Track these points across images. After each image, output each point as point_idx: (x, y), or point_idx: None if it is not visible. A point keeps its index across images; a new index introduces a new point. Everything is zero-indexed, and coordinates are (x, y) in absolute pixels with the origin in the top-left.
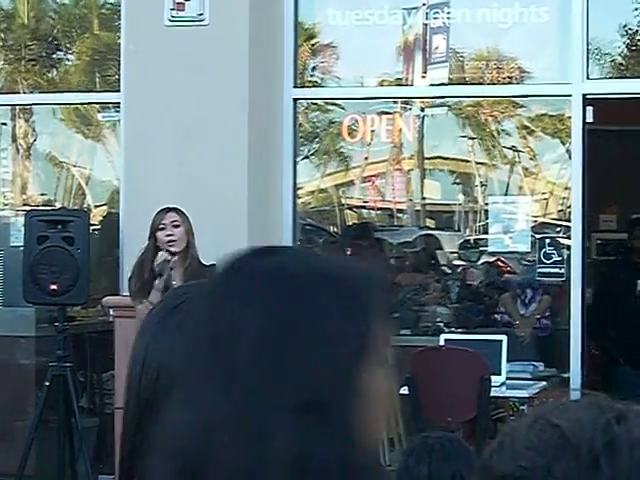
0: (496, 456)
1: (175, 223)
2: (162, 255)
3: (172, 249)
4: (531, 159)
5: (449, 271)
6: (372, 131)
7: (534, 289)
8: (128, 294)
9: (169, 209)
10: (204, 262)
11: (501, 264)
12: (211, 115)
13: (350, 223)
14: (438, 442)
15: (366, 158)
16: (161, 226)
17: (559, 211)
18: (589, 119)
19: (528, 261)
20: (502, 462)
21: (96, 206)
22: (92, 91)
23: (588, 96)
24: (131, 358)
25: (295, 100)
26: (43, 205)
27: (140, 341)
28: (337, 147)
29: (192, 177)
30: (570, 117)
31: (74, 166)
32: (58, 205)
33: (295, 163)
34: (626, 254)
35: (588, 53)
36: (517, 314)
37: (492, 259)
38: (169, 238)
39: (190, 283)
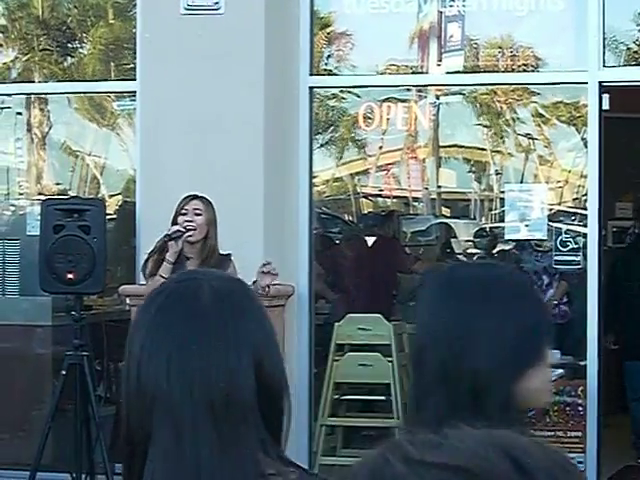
0: None
1: (197, 211)
2: (175, 227)
3: (190, 238)
4: (546, 147)
5: (465, 259)
6: (387, 119)
7: (550, 275)
8: (142, 275)
9: (195, 196)
10: (222, 252)
11: (517, 252)
12: (227, 103)
13: (366, 212)
14: None
15: (380, 147)
16: (183, 211)
17: (574, 199)
18: (605, 106)
19: (544, 249)
20: None
21: (111, 195)
22: (107, 80)
23: (604, 84)
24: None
25: (311, 88)
26: (58, 194)
27: (130, 328)
28: (352, 135)
29: (208, 166)
30: (586, 105)
31: (89, 155)
32: (72, 194)
33: (311, 152)
34: (638, 240)
35: (604, 41)
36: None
37: (508, 247)
38: (187, 224)
39: (182, 272)
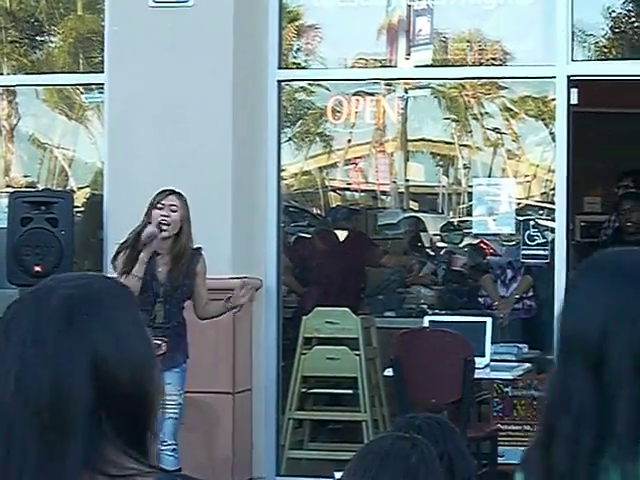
0: None
1: (173, 207)
2: (150, 227)
3: (164, 233)
4: (514, 141)
5: (432, 253)
6: (356, 113)
7: (514, 269)
8: (113, 268)
9: (172, 192)
10: (194, 245)
11: (484, 246)
12: (195, 96)
13: (335, 205)
14: (425, 423)
15: (349, 140)
16: (159, 205)
17: (542, 193)
18: (573, 101)
19: (512, 243)
20: None
21: (79, 188)
22: (76, 72)
23: (572, 78)
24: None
25: (279, 82)
26: (26, 187)
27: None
28: (321, 129)
29: (176, 158)
30: (554, 99)
31: (57, 148)
32: (41, 187)
33: (279, 145)
34: (616, 234)
35: (573, 35)
36: (497, 295)
37: (475, 241)
38: (162, 219)
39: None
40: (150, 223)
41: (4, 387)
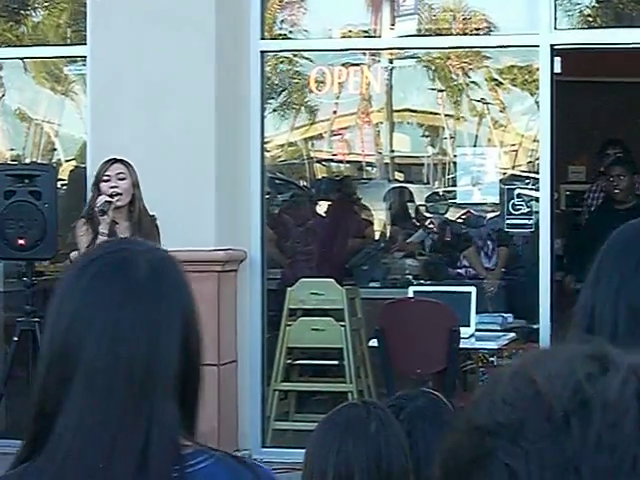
0: (475, 407)
1: (121, 175)
2: (102, 198)
3: (118, 203)
4: (500, 111)
5: (418, 224)
6: (340, 83)
7: (494, 241)
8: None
9: (115, 160)
10: (150, 213)
11: (469, 216)
12: (178, 67)
13: (320, 177)
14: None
15: (335, 112)
16: (105, 177)
17: (528, 163)
18: (557, 70)
19: (496, 213)
20: (479, 414)
21: (65, 161)
22: (60, 45)
23: (556, 47)
24: (47, 310)
25: (262, 52)
26: (12, 161)
27: (55, 294)
28: (305, 100)
29: (159, 130)
30: (538, 68)
31: (43, 121)
32: (26, 160)
33: (263, 116)
34: (605, 203)
35: (556, 3)
36: (481, 268)
37: (461, 211)
38: (113, 190)
39: (113, 239)
40: (100, 195)
41: (96, 348)
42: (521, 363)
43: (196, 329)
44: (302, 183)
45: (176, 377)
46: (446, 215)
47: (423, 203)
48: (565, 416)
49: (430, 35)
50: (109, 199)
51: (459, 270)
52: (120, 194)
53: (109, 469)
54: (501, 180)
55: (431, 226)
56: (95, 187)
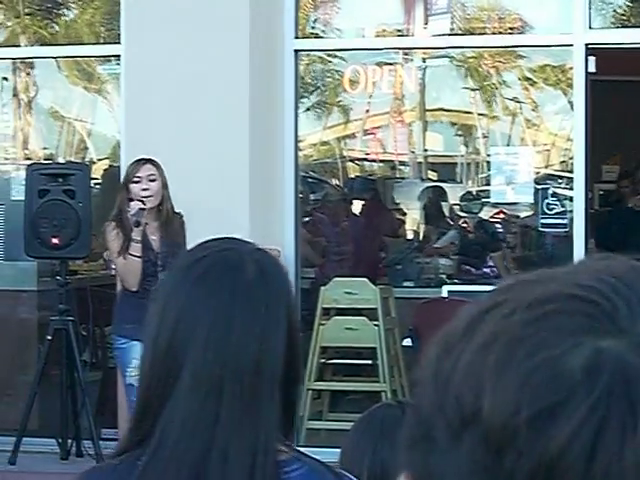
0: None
1: (152, 177)
2: (136, 205)
3: (148, 205)
4: (533, 110)
5: (452, 223)
6: (373, 82)
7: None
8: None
9: (145, 161)
10: (176, 210)
11: (503, 216)
12: (212, 67)
13: (353, 176)
14: None
15: (367, 110)
16: (136, 179)
17: (561, 162)
18: (591, 69)
19: (530, 212)
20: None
21: (98, 160)
22: (94, 44)
23: (590, 46)
24: (151, 307)
25: (296, 52)
26: (45, 159)
27: (160, 291)
28: (338, 99)
29: (193, 130)
30: (572, 68)
31: (76, 120)
32: (60, 159)
33: (296, 115)
34: (621, 204)
35: (590, 3)
36: (505, 271)
37: (494, 211)
38: (145, 193)
39: (215, 238)
40: (130, 199)
41: (204, 347)
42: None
43: (298, 331)
44: (335, 182)
45: (280, 379)
46: (480, 214)
47: (457, 202)
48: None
49: (463, 34)
50: (143, 206)
51: (485, 269)
52: (151, 196)
53: (222, 472)
54: (535, 179)
55: (464, 225)
56: (124, 187)
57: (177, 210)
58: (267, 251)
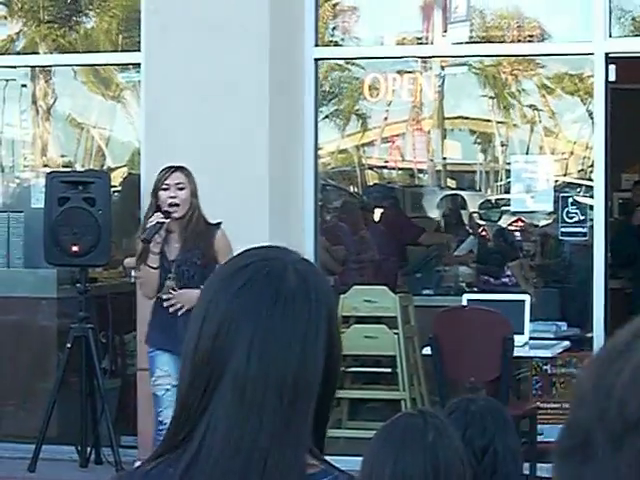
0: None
1: (180, 185)
2: (155, 218)
3: (175, 215)
4: (551, 118)
5: (471, 231)
6: (393, 91)
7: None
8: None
9: (175, 168)
10: (210, 221)
11: (522, 224)
12: (232, 75)
13: (372, 184)
14: (480, 411)
15: (385, 118)
16: (164, 186)
17: (579, 171)
18: (612, 78)
19: (549, 221)
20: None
21: (116, 167)
22: (112, 51)
23: (610, 54)
24: (192, 314)
25: (316, 60)
26: (63, 167)
27: (202, 299)
28: (357, 107)
29: (213, 137)
30: (590, 76)
31: (94, 127)
32: (78, 166)
33: (316, 123)
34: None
35: (610, 11)
36: (523, 281)
37: (513, 219)
38: (171, 201)
39: (258, 246)
40: (158, 207)
41: (246, 357)
42: None
43: (339, 342)
44: (354, 190)
45: (320, 386)
46: (498, 223)
47: (475, 210)
48: None
49: (483, 42)
50: (163, 220)
51: (504, 279)
52: (177, 205)
53: None
54: (555, 188)
55: (483, 234)
56: (154, 195)
57: (214, 221)
58: (309, 261)
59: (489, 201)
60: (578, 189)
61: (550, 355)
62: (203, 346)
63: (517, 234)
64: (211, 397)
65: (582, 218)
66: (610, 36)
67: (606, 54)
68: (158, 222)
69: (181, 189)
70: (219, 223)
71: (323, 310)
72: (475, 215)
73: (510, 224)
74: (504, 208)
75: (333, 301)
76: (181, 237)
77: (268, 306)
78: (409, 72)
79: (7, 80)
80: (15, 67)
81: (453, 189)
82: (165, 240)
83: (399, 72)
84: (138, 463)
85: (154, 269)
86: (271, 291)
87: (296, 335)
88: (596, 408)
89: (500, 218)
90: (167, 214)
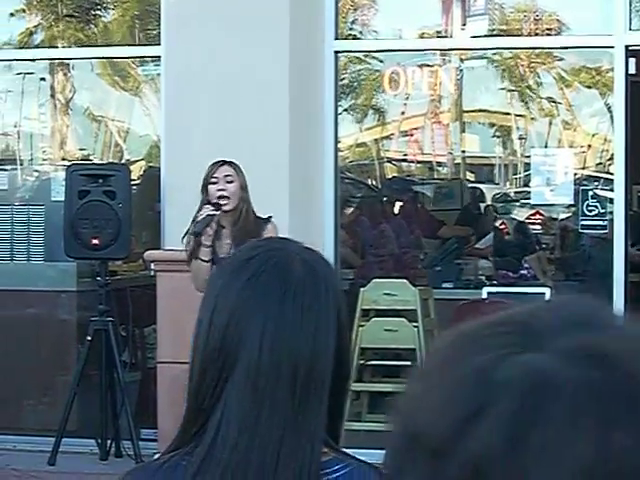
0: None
1: (229, 178)
2: (204, 211)
3: (224, 207)
4: (568, 111)
5: (490, 224)
6: (412, 84)
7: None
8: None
9: (223, 162)
10: (261, 216)
11: (541, 217)
12: (252, 68)
13: (391, 177)
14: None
15: (402, 112)
16: (213, 179)
17: (597, 164)
18: (632, 71)
19: (569, 214)
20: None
21: (134, 160)
22: (132, 45)
23: (631, 47)
24: (201, 307)
25: (336, 52)
26: (81, 160)
27: (210, 291)
28: (376, 100)
29: (233, 130)
30: (608, 69)
31: (112, 120)
32: (96, 160)
33: (336, 116)
34: None
35: (630, 4)
36: (542, 274)
37: (531, 212)
38: (220, 193)
39: (264, 238)
40: (208, 201)
41: (258, 347)
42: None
43: (347, 331)
44: (372, 183)
45: (330, 380)
46: (517, 216)
47: (494, 203)
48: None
49: (502, 35)
50: (214, 212)
51: (522, 271)
52: (227, 197)
53: (275, 474)
54: (575, 181)
55: (502, 227)
56: (204, 189)
57: (264, 215)
58: (315, 250)
59: (507, 194)
60: (596, 182)
61: None
62: (214, 338)
63: (535, 227)
64: (223, 388)
65: (602, 211)
66: (630, 29)
67: (626, 47)
68: (208, 215)
69: (230, 182)
70: (269, 217)
71: (332, 299)
72: (493, 208)
73: (528, 217)
74: (523, 201)
75: (340, 288)
76: (232, 233)
77: (278, 296)
78: (428, 65)
79: (26, 74)
80: (34, 60)
81: (472, 182)
82: (216, 235)
83: (418, 65)
84: (157, 456)
85: (206, 262)
86: (280, 281)
87: (307, 324)
88: (392, 438)
89: (519, 211)
90: (217, 206)
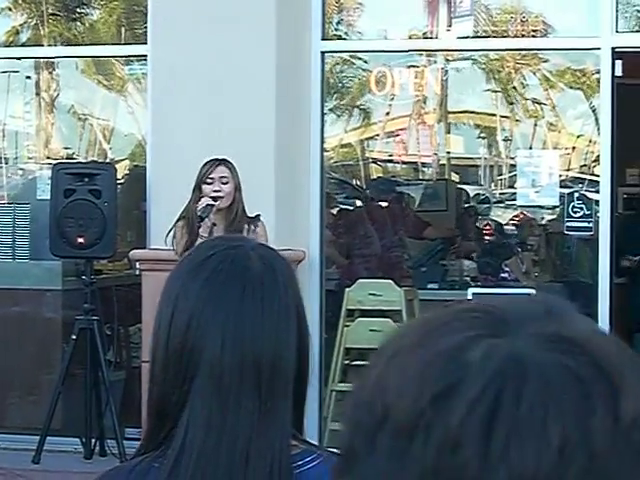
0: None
1: (224, 179)
2: (205, 201)
3: (219, 205)
4: (552, 112)
5: (474, 225)
6: (397, 84)
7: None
8: (170, 245)
9: (219, 162)
10: (249, 214)
11: (525, 218)
12: (238, 67)
13: (375, 177)
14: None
15: (387, 113)
16: (208, 180)
17: (582, 165)
18: (618, 73)
19: (554, 216)
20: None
21: (119, 160)
22: (118, 44)
23: (617, 49)
24: (159, 308)
25: (323, 53)
26: (66, 158)
27: (169, 292)
28: (362, 101)
29: (219, 130)
30: (593, 71)
31: (97, 119)
32: (81, 159)
33: (323, 116)
34: None
35: (617, 6)
36: (525, 277)
37: (514, 214)
38: (215, 194)
39: (219, 236)
40: (202, 198)
41: (221, 346)
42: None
43: (307, 325)
44: (357, 183)
45: (293, 371)
46: (501, 218)
47: (479, 205)
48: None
49: (487, 36)
50: (211, 202)
51: (503, 274)
52: (222, 197)
53: (246, 472)
54: (560, 182)
55: (486, 229)
56: (197, 188)
57: (252, 214)
58: (269, 246)
59: (492, 195)
60: (581, 184)
61: None
62: (176, 341)
63: (517, 229)
64: (189, 390)
65: (587, 213)
66: (617, 31)
67: (613, 49)
68: (208, 205)
69: (225, 183)
70: (258, 215)
71: (290, 293)
72: (478, 209)
73: (511, 219)
74: (508, 203)
75: (298, 284)
76: (227, 231)
77: (237, 293)
78: (413, 66)
79: (11, 72)
80: (19, 59)
81: (457, 183)
82: (210, 234)
83: (404, 66)
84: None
85: None
86: (238, 279)
87: (268, 319)
88: (353, 416)
89: (503, 213)
90: (214, 200)
